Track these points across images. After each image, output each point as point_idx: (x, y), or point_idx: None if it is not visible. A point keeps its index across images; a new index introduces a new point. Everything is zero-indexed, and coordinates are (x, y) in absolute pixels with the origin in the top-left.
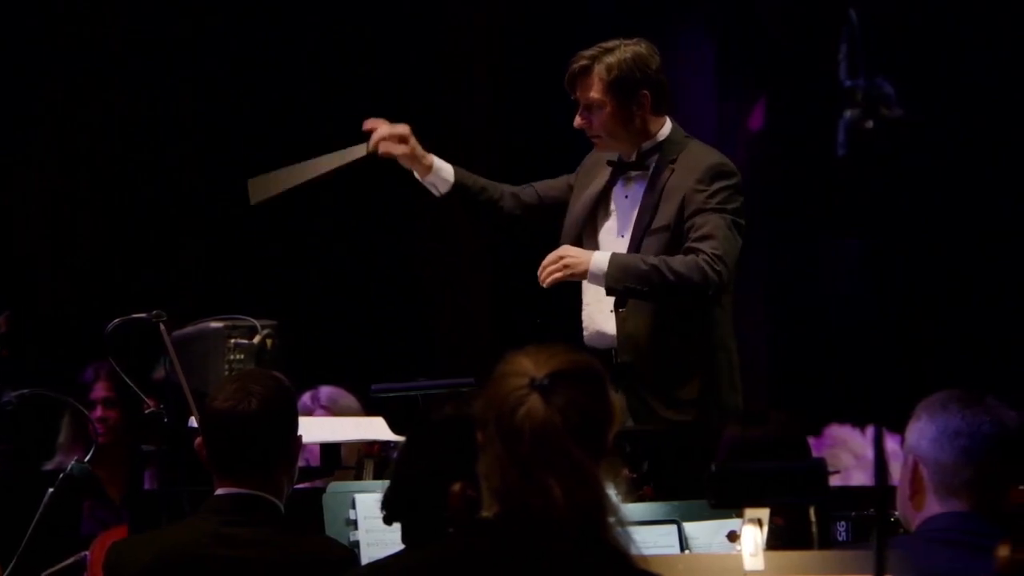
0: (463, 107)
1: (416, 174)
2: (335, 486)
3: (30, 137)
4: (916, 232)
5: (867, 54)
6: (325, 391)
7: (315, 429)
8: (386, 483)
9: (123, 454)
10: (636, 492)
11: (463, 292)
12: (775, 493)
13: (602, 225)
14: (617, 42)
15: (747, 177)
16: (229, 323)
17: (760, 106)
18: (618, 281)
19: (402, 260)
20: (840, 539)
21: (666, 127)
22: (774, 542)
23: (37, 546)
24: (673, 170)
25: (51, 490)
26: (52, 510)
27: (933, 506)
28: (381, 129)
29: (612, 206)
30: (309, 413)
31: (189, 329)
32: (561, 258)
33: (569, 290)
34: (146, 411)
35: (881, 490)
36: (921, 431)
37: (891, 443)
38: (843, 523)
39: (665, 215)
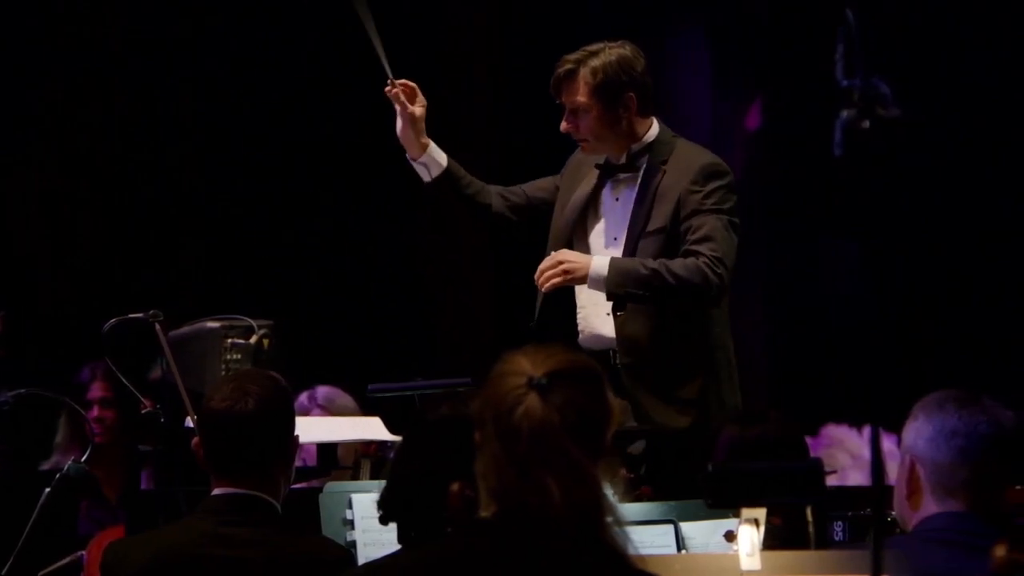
0: (463, 107)
1: (409, 154)
2: (332, 486)
3: (30, 137)
4: (916, 232)
5: (864, 54)
6: (322, 391)
7: (312, 429)
8: (383, 483)
9: (120, 454)
10: (633, 492)
11: (465, 290)
12: (772, 493)
13: (592, 228)
14: (601, 45)
15: (743, 177)
16: (226, 323)
17: (756, 106)
18: (619, 286)
19: (403, 258)
20: (837, 539)
21: (653, 128)
22: (771, 542)
23: (34, 546)
24: (665, 171)
25: (48, 490)
26: (49, 510)
27: (930, 506)
28: (410, 83)
29: (601, 209)
30: (306, 413)
31: (186, 329)
32: (560, 263)
33: (566, 292)
34: (143, 411)
35: (878, 490)
36: (918, 431)
37: (888, 443)
38: (840, 523)
39: (660, 217)
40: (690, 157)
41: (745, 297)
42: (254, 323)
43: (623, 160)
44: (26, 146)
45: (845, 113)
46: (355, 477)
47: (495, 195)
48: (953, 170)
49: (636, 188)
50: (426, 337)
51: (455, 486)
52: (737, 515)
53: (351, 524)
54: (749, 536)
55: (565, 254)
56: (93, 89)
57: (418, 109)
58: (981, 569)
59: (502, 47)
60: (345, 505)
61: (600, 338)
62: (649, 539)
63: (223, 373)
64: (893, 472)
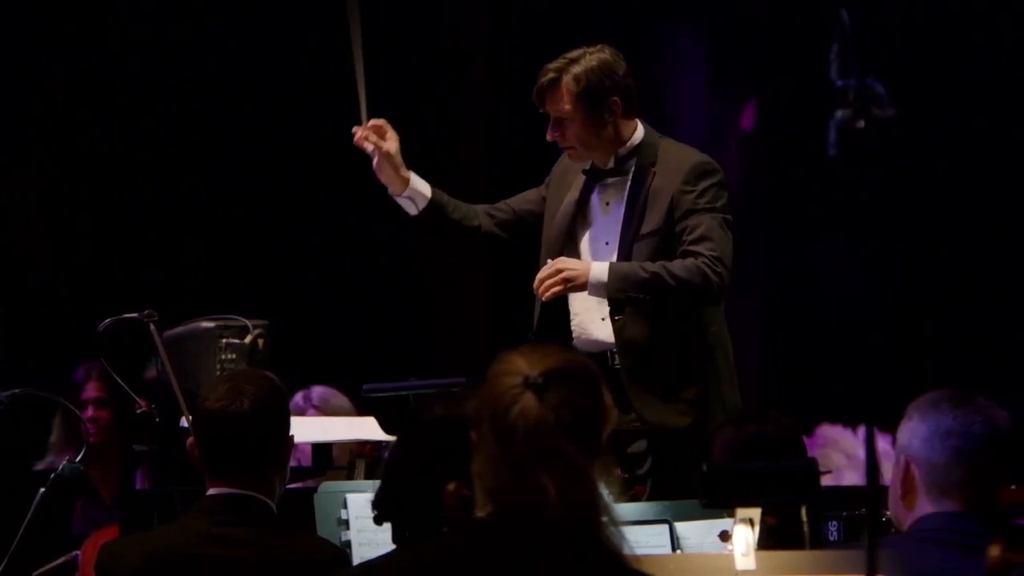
0: (463, 107)
1: (391, 190)
2: (327, 486)
3: (30, 137)
4: (915, 232)
5: (859, 54)
6: (317, 391)
7: (307, 429)
8: (377, 483)
9: (115, 454)
10: (628, 492)
11: (462, 291)
12: (767, 493)
13: (582, 235)
14: (581, 51)
15: (739, 177)
16: (221, 323)
17: (752, 106)
18: (620, 291)
19: (401, 258)
20: (832, 539)
21: (639, 131)
22: (766, 542)
23: (29, 546)
24: (655, 173)
25: (43, 490)
26: (44, 510)
27: (925, 506)
28: (378, 121)
29: (591, 216)
30: (301, 413)
31: (180, 329)
32: (560, 271)
33: (560, 299)
34: (138, 411)
35: (873, 490)
36: (913, 431)
37: (882, 443)
38: (835, 523)
39: (653, 219)
40: (679, 157)
41: (741, 297)
42: (249, 323)
43: (611, 165)
44: (26, 146)
45: (840, 113)
46: (350, 477)
47: (482, 214)
48: (953, 170)
49: (626, 192)
50: (424, 338)
51: (452, 486)
52: (732, 515)
53: (346, 524)
54: (744, 536)
55: (564, 262)
56: (93, 89)
57: (392, 145)
58: (976, 569)
59: (502, 47)
60: (340, 505)
61: (596, 343)
62: (644, 539)
63: (218, 373)
64: (888, 472)
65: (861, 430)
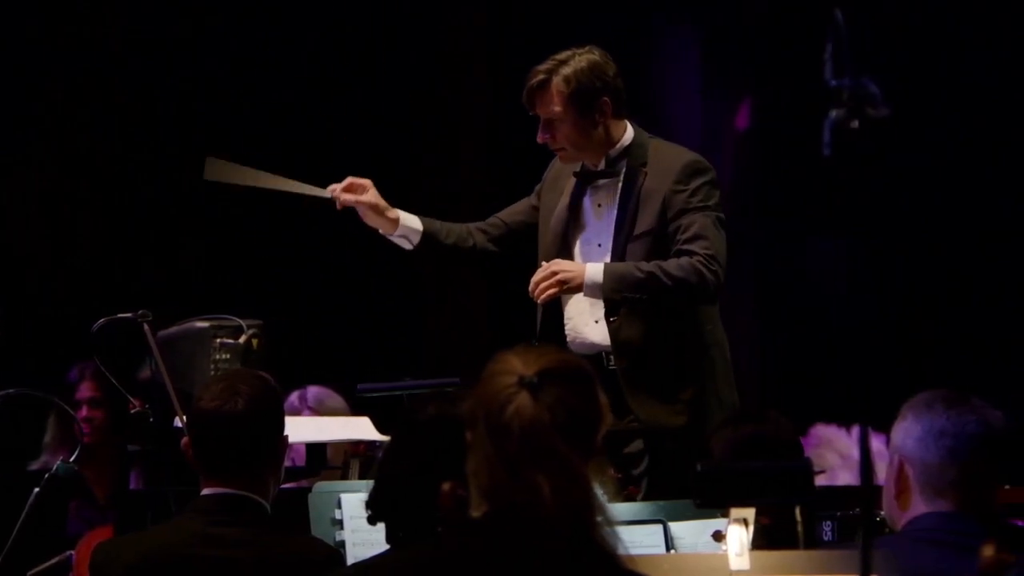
0: (463, 107)
1: (382, 231)
2: (321, 486)
3: (30, 137)
4: (914, 232)
5: (853, 54)
6: (313, 391)
7: (301, 429)
8: (372, 483)
9: (109, 454)
10: (622, 492)
11: (458, 292)
12: (761, 493)
13: (575, 237)
14: (570, 52)
15: (733, 177)
16: (215, 323)
17: (746, 106)
18: (615, 291)
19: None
20: (826, 539)
21: (628, 131)
22: (760, 542)
23: (23, 546)
24: (646, 173)
25: (37, 490)
26: (38, 510)
27: (919, 506)
28: (345, 182)
29: (583, 218)
30: (297, 413)
31: (175, 329)
32: (554, 273)
33: (554, 302)
34: (132, 411)
35: (867, 490)
36: (906, 431)
37: (877, 443)
38: (829, 523)
39: (646, 220)
40: (670, 157)
41: (736, 296)
42: (243, 323)
43: (601, 166)
44: (26, 146)
45: (834, 113)
46: (344, 477)
47: (475, 232)
48: (953, 170)
49: (618, 193)
50: (422, 339)
51: (447, 486)
52: (726, 515)
53: (340, 524)
54: (738, 536)
55: (558, 264)
56: (93, 89)
57: (370, 197)
58: (970, 569)
59: (502, 47)
60: (334, 505)
61: (590, 345)
62: (638, 539)
63: (212, 373)
64: (882, 472)
65: (855, 430)
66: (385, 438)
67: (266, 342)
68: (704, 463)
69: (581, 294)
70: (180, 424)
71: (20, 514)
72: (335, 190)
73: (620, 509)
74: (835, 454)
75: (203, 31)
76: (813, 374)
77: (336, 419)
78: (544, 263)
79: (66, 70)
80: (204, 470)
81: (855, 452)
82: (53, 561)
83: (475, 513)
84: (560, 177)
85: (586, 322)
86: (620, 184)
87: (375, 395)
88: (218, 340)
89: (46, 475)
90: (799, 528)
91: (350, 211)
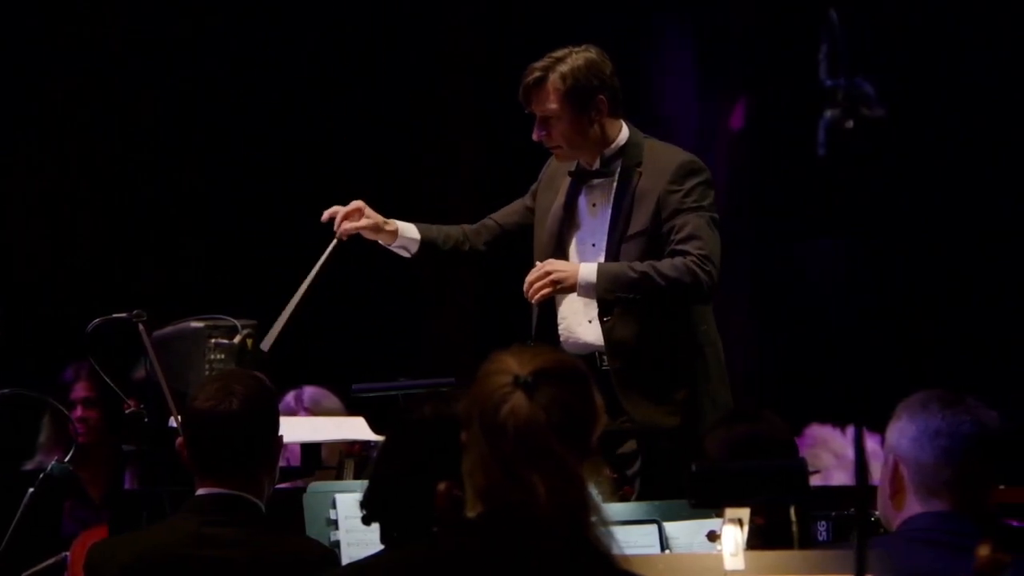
0: (463, 107)
1: (382, 242)
2: (316, 486)
3: (30, 137)
4: (914, 232)
5: (848, 54)
6: (309, 392)
7: (296, 429)
8: (366, 483)
9: (104, 454)
10: (617, 492)
11: (454, 293)
12: (755, 493)
13: (570, 237)
14: (567, 50)
15: (728, 177)
16: (209, 323)
17: (741, 106)
18: (609, 291)
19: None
20: (821, 539)
21: (624, 131)
22: (754, 542)
23: (17, 546)
24: (641, 174)
25: (31, 490)
26: (32, 510)
27: (914, 506)
28: (339, 213)
29: (578, 217)
30: (293, 414)
31: (169, 329)
32: (548, 273)
33: (548, 302)
34: (127, 411)
35: (862, 490)
36: (901, 431)
37: (871, 443)
38: (824, 523)
39: (640, 220)
40: (665, 157)
41: (730, 296)
42: (238, 323)
43: (596, 165)
44: (26, 146)
45: (829, 113)
46: (339, 477)
47: (471, 235)
48: (953, 170)
49: (613, 193)
50: (417, 339)
51: (442, 486)
52: (721, 515)
53: (335, 524)
54: (733, 536)
55: (552, 264)
56: (93, 89)
57: (368, 220)
58: (965, 569)
59: (502, 47)
60: (329, 505)
61: (584, 345)
62: (633, 539)
63: (207, 373)
64: (877, 472)
65: (850, 430)
66: (380, 438)
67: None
68: (699, 463)
69: (575, 294)
70: (175, 424)
71: (15, 514)
72: (336, 223)
73: (615, 509)
74: (830, 454)
75: (203, 31)
76: (809, 374)
77: (331, 419)
78: (539, 263)
79: (66, 70)
80: (199, 470)
81: (850, 452)
82: (48, 562)
83: (470, 513)
84: (556, 177)
85: (580, 322)
86: (615, 184)
87: (370, 395)
88: (213, 340)
89: (41, 475)
90: (794, 528)
91: (344, 249)
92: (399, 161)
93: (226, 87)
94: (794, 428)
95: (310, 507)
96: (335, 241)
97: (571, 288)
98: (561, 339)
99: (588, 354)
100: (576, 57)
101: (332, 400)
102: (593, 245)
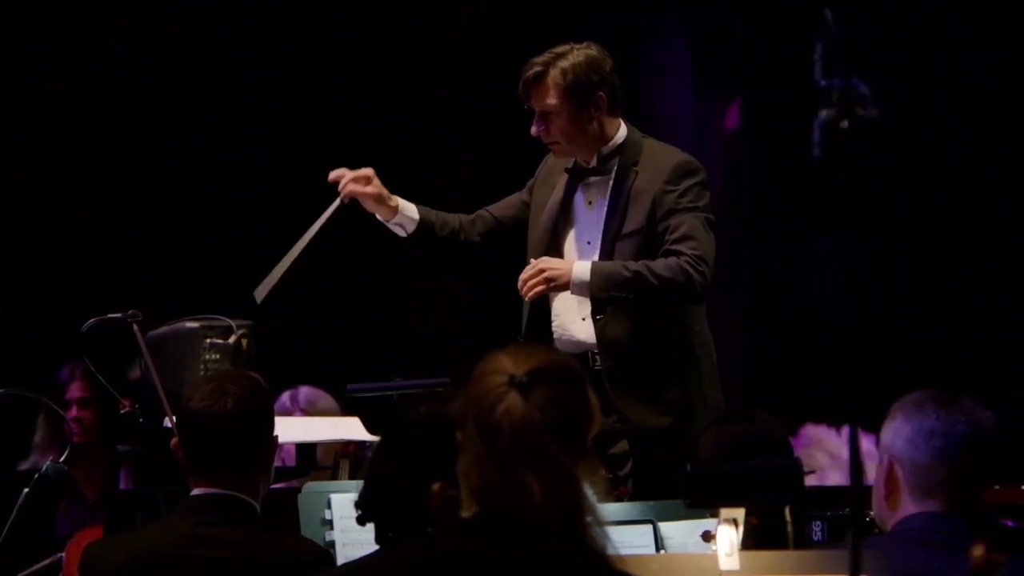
0: (463, 107)
1: (380, 217)
2: (311, 486)
3: (30, 137)
4: (914, 232)
5: (843, 54)
6: (304, 392)
7: (291, 429)
8: (361, 483)
9: (99, 454)
10: (612, 492)
11: (449, 293)
12: (750, 493)
13: (565, 234)
14: (568, 47)
15: (723, 177)
16: (204, 323)
17: (736, 106)
18: (602, 290)
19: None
20: (815, 539)
21: (622, 129)
22: (749, 542)
23: (12, 547)
24: (637, 172)
25: (26, 490)
26: (27, 510)
27: (908, 506)
28: (347, 175)
29: (574, 215)
30: (288, 414)
31: (164, 329)
32: (542, 271)
33: (542, 299)
34: (122, 411)
35: (857, 490)
36: (896, 431)
37: (866, 443)
38: (818, 523)
39: (635, 219)
40: (662, 156)
41: (725, 297)
42: (233, 323)
43: (593, 163)
44: (26, 146)
45: (824, 113)
46: (334, 477)
47: (466, 225)
48: (953, 170)
49: (608, 191)
50: (412, 340)
51: (437, 486)
52: (715, 515)
53: (330, 524)
54: (728, 536)
55: (546, 261)
56: (93, 89)
57: (373, 188)
58: (960, 569)
59: (502, 47)
60: (324, 505)
61: (577, 343)
62: (628, 539)
63: (202, 373)
64: (872, 472)
65: (845, 430)
66: (375, 438)
67: (255, 342)
68: (694, 463)
69: (568, 292)
70: (170, 424)
71: (10, 515)
72: (340, 186)
73: (610, 509)
74: (825, 454)
75: (203, 31)
76: (804, 374)
77: (326, 419)
78: (532, 260)
79: (66, 70)
80: (193, 470)
81: (845, 452)
82: (43, 563)
83: (465, 513)
84: (553, 173)
85: (573, 319)
86: (611, 182)
87: (365, 395)
88: (208, 340)
89: (36, 475)
90: (789, 528)
91: (346, 213)
92: (399, 161)
93: (226, 87)
94: (789, 428)
95: (305, 507)
96: (337, 201)
97: (565, 286)
98: (555, 336)
99: (581, 352)
100: (577, 53)
101: (328, 400)
102: (588, 242)
